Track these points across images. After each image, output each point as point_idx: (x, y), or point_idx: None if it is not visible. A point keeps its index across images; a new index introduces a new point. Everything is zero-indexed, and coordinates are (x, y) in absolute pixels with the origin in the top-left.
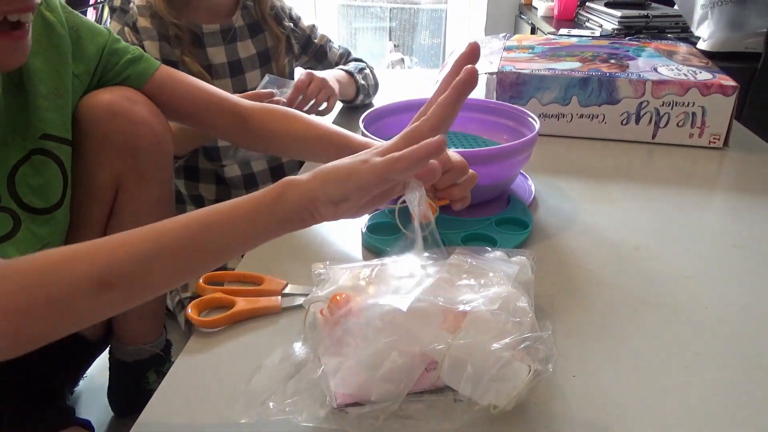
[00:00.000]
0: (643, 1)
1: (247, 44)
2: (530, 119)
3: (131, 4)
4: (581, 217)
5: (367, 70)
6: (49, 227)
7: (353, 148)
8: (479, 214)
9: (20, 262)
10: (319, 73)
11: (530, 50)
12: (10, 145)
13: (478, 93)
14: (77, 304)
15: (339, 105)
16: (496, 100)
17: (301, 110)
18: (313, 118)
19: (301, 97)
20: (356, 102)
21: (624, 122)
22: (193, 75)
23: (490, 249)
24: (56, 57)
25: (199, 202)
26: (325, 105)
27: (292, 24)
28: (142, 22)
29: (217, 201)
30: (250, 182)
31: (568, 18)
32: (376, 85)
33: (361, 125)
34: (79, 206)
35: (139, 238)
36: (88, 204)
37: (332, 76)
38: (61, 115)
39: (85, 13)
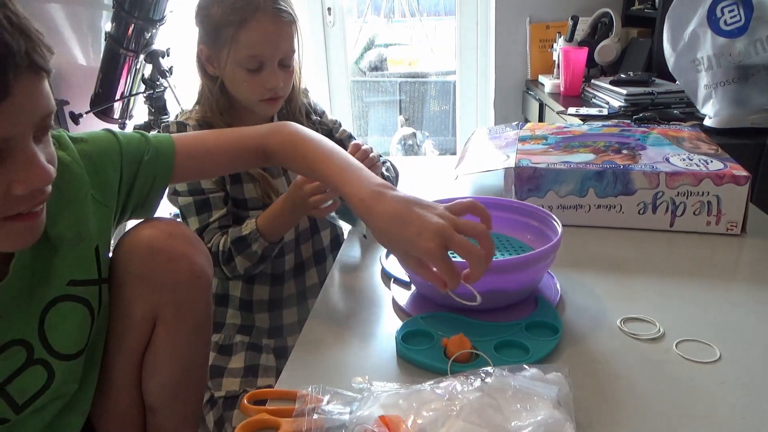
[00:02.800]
0: (647, 79)
1: None
2: (553, 221)
3: (187, 129)
4: (608, 317)
5: (389, 163)
6: (78, 371)
7: (330, 183)
8: (509, 318)
9: None
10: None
11: (544, 141)
12: (36, 295)
13: (496, 184)
14: None
15: None
16: (515, 193)
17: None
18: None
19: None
20: None
21: (641, 212)
22: (254, 179)
23: (526, 366)
24: (75, 199)
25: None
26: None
27: (318, 118)
28: None
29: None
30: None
31: (575, 94)
32: (397, 177)
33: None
34: (115, 337)
35: None
36: (125, 336)
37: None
38: (88, 258)
39: (111, 108)
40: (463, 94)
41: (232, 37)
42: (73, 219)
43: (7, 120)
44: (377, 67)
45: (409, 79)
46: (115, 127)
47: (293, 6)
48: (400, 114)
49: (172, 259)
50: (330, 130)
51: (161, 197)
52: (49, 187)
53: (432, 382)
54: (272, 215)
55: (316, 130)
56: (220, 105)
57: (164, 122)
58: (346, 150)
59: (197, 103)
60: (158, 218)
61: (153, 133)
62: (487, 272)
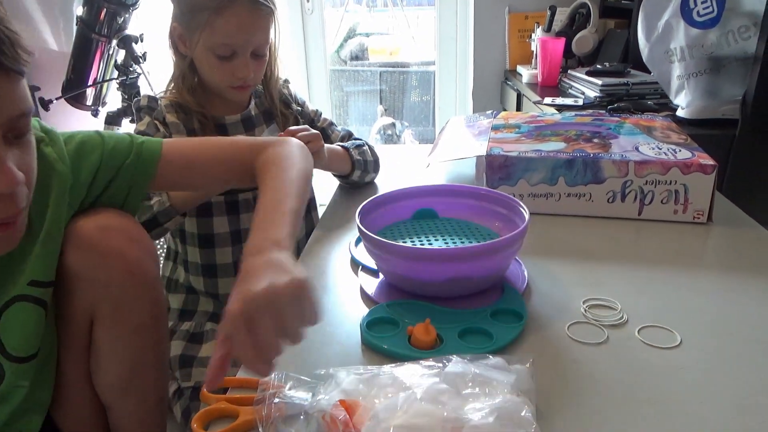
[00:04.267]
0: (622, 69)
1: (263, 130)
2: (521, 208)
3: (158, 103)
4: (573, 303)
5: (366, 147)
6: (30, 374)
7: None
8: (475, 305)
9: None
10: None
11: (516, 129)
12: None
13: (469, 173)
14: None
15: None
16: (486, 181)
17: None
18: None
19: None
20: (353, 177)
21: (610, 200)
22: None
23: (490, 356)
24: (54, 197)
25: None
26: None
27: (300, 108)
28: (170, 118)
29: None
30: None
31: (552, 85)
32: (376, 161)
33: (357, 219)
34: (61, 335)
35: None
36: (68, 334)
37: (328, 148)
38: (51, 259)
39: (83, 94)
40: (443, 84)
41: (206, 22)
42: (49, 218)
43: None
44: (358, 56)
45: (390, 69)
46: (100, 127)
47: None
48: (380, 104)
49: (104, 255)
50: (312, 120)
51: (140, 202)
52: (24, 193)
53: (392, 365)
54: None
55: (297, 121)
56: (190, 84)
57: (137, 100)
58: (326, 141)
59: (170, 82)
60: (99, 209)
61: (145, 139)
62: (454, 259)
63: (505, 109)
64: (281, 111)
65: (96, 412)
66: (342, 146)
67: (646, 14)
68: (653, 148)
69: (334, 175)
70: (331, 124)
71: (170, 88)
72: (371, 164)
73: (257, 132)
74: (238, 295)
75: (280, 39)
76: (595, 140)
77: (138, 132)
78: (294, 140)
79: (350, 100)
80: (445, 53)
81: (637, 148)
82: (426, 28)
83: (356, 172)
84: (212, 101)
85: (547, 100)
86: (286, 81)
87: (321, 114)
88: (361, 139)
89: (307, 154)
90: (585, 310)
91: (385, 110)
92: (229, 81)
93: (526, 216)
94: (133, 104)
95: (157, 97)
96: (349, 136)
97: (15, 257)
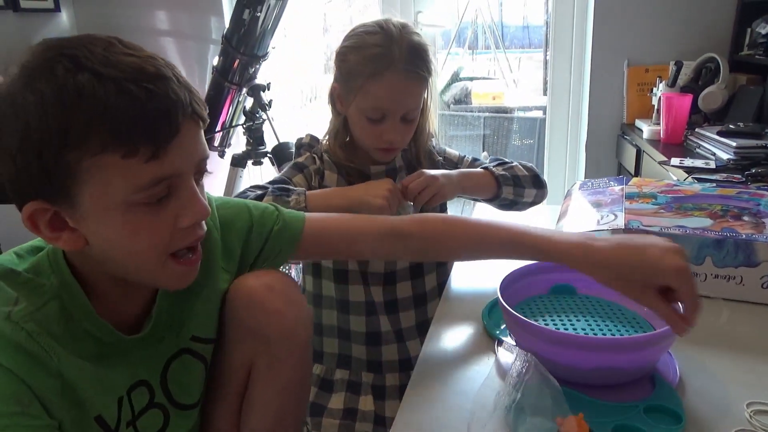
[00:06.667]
0: (759, 131)
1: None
2: None
3: (319, 143)
4: (735, 406)
5: (515, 164)
6: (190, 421)
7: (523, 244)
8: (625, 398)
9: None
10: (435, 173)
11: (653, 200)
12: (165, 342)
13: None
14: None
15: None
16: None
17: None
18: (474, 217)
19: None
20: (505, 195)
21: (765, 285)
22: None
23: None
24: (211, 259)
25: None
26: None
27: (442, 158)
28: (326, 157)
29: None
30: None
31: (677, 143)
32: (536, 177)
33: (499, 293)
34: (215, 384)
35: None
36: (223, 383)
37: (454, 173)
38: (211, 318)
39: (212, 138)
40: (553, 133)
41: (361, 86)
42: (207, 278)
43: (177, 156)
44: (461, 100)
45: (494, 114)
46: (227, 166)
47: (431, 61)
48: (484, 150)
49: (267, 313)
50: (456, 165)
51: (282, 264)
52: (205, 227)
53: None
54: (325, 192)
55: (444, 168)
56: (342, 140)
57: (300, 138)
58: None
59: (326, 134)
60: (265, 270)
61: (287, 210)
62: (604, 349)
63: (621, 164)
64: (425, 165)
65: None
66: (483, 167)
67: None
68: None
69: (489, 202)
70: (475, 159)
71: (325, 140)
72: (527, 179)
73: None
74: (665, 255)
75: (434, 99)
76: (745, 218)
77: (296, 163)
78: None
79: (454, 145)
80: (556, 99)
81: None
82: (528, 72)
83: (505, 189)
84: (361, 155)
85: (674, 161)
86: (430, 134)
87: (464, 156)
88: (508, 160)
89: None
90: (750, 416)
91: (489, 157)
92: (377, 143)
93: (680, 307)
94: (296, 141)
95: (319, 138)
96: (497, 161)
97: (179, 312)
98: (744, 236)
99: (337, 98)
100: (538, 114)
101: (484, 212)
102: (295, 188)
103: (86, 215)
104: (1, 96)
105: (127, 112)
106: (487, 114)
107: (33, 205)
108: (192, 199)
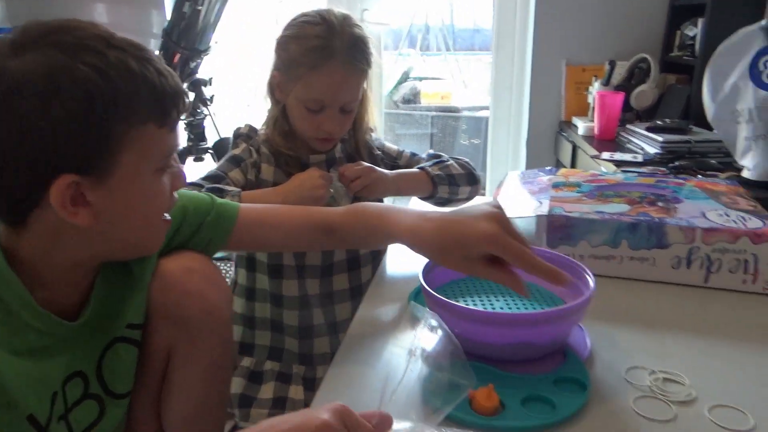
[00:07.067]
0: (684, 126)
1: None
2: (586, 274)
3: (257, 134)
4: (639, 375)
5: (450, 162)
6: (123, 409)
7: (383, 232)
8: (536, 371)
9: None
10: (375, 167)
11: (578, 188)
12: (102, 330)
13: (529, 230)
14: None
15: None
16: (546, 241)
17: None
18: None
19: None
20: (441, 194)
21: (675, 266)
22: None
23: None
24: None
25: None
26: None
27: (381, 153)
28: (264, 149)
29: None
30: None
31: (609, 138)
32: (470, 174)
33: (421, 276)
34: (137, 376)
35: None
36: (142, 370)
37: (391, 173)
38: (142, 302)
39: None
40: (496, 131)
41: (301, 77)
42: (146, 266)
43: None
44: (410, 100)
45: (442, 114)
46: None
47: (371, 53)
48: (431, 148)
49: (187, 295)
50: (394, 159)
51: (214, 254)
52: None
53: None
54: (261, 193)
55: (383, 164)
56: (281, 128)
57: (238, 128)
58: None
59: (264, 123)
60: (182, 252)
61: (223, 199)
62: (519, 324)
63: (559, 160)
64: (364, 157)
65: None
66: (419, 168)
67: (713, 74)
68: (721, 215)
69: (424, 199)
70: (414, 155)
71: (263, 129)
72: (462, 177)
73: None
74: (476, 223)
75: (372, 91)
76: (660, 204)
77: (233, 156)
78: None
79: (402, 143)
80: (499, 100)
81: (704, 214)
82: (477, 74)
83: (441, 188)
84: (300, 143)
85: (605, 154)
86: (369, 129)
87: (402, 151)
88: (444, 156)
89: None
90: (651, 383)
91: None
92: (315, 133)
93: (592, 283)
94: (233, 131)
95: (257, 128)
96: (435, 158)
97: (116, 300)
98: (657, 220)
99: (276, 86)
100: (486, 113)
101: (418, 206)
102: (230, 189)
103: (114, 186)
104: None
105: (158, 84)
106: (435, 113)
107: (66, 179)
108: (179, 168)
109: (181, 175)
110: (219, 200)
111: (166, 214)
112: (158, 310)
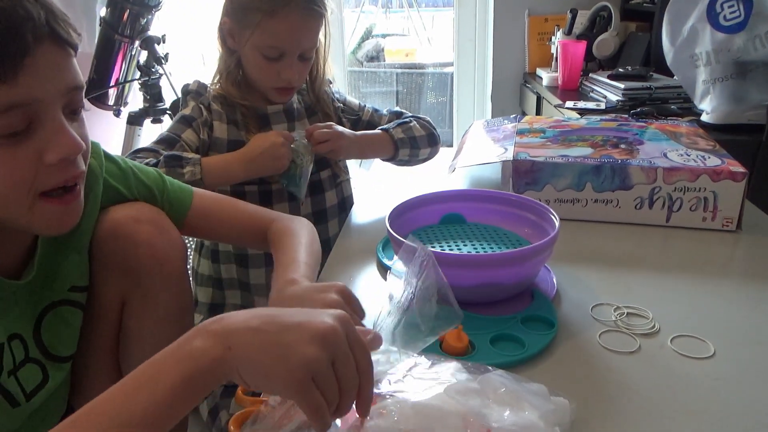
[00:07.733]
0: (645, 73)
1: (305, 123)
2: (551, 215)
3: (207, 90)
4: (604, 311)
5: (413, 123)
6: (65, 372)
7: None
8: (505, 312)
9: None
10: (344, 131)
11: (542, 134)
12: (43, 292)
13: (493, 177)
14: None
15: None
16: (512, 186)
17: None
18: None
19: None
20: (401, 157)
21: (638, 207)
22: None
23: (534, 383)
24: (95, 208)
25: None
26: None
27: (342, 105)
28: (215, 106)
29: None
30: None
31: (572, 88)
32: (431, 135)
33: (387, 223)
34: (87, 327)
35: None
36: (95, 324)
37: (358, 135)
38: (86, 264)
39: (106, 94)
40: (461, 86)
41: (258, 23)
42: (85, 227)
43: (33, 81)
44: (374, 57)
45: (407, 70)
46: (123, 126)
47: None
48: (397, 105)
49: (134, 244)
50: (357, 113)
51: None
52: (82, 164)
53: (432, 360)
54: (223, 161)
55: (340, 119)
56: (235, 78)
57: (186, 84)
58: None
59: (216, 74)
60: (131, 202)
61: (174, 188)
62: (485, 265)
63: (524, 112)
64: (324, 108)
65: None
66: (382, 129)
67: (671, 18)
68: (681, 155)
69: (385, 160)
70: (376, 110)
71: (215, 81)
72: (423, 139)
73: (298, 125)
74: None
75: (329, 40)
76: (622, 146)
77: (183, 116)
78: (303, 220)
79: (367, 101)
80: (463, 55)
81: (665, 155)
82: (442, 30)
83: (403, 151)
84: (255, 94)
85: (569, 103)
86: (329, 81)
87: (365, 106)
88: (408, 116)
89: (314, 234)
90: (616, 318)
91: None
92: (274, 82)
93: (557, 223)
94: (182, 88)
95: (207, 84)
96: (398, 116)
97: (58, 262)
98: (619, 161)
99: (227, 34)
100: (451, 70)
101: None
102: (190, 157)
103: None
104: None
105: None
106: (400, 70)
107: None
108: (59, 132)
109: (55, 140)
110: (171, 189)
111: (60, 190)
112: (107, 263)
